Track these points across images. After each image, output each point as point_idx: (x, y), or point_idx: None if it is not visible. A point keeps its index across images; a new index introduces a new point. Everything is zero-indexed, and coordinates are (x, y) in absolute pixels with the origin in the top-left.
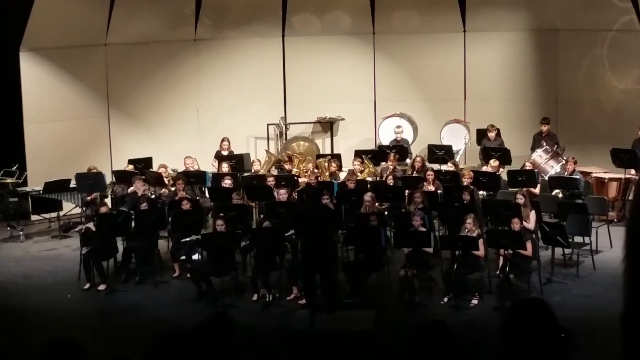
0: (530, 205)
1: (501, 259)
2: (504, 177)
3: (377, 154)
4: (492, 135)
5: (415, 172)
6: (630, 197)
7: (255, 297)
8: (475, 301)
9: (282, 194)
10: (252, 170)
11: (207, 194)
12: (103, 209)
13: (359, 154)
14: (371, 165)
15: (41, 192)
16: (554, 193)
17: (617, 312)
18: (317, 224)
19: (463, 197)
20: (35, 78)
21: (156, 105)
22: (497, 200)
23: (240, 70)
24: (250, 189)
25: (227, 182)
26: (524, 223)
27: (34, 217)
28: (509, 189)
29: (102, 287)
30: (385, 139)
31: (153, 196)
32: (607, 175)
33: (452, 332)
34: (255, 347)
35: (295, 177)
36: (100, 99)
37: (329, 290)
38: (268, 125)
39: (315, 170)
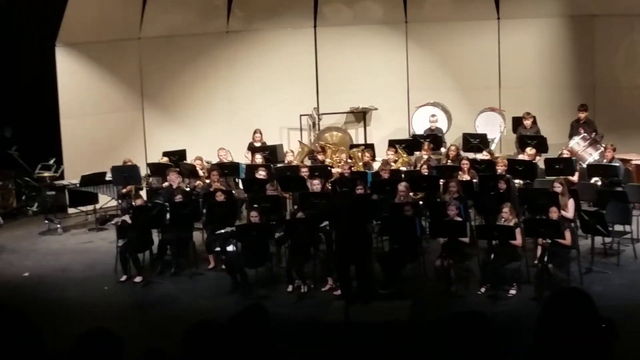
0: (569, 193)
1: (539, 248)
2: (541, 165)
3: (411, 144)
4: (528, 123)
5: (449, 161)
6: None
7: (290, 288)
8: (513, 291)
9: (315, 185)
10: (286, 161)
11: (241, 186)
12: (138, 202)
13: (392, 143)
14: (405, 155)
15: (78, 185)
16: (592, 181)
17: None
18: (351, 215)
19: (499, 186)
20: (71, 72)
21: (189, 97)
22: (534, 189)
23: (272, 62)
24: (283, 180)
25: (260, 174)
26: (562, 212)
27: (71, 210)
28: (546, 177)
29: (138, 279)
30: (419, 128)
31: (188, 188)
32: None
33: (490, 322)
34: (290, 339)
35: (329, 168)
36: (135, 93)
37: (364, 281)
38: (301, 116)
39: (349, 161)
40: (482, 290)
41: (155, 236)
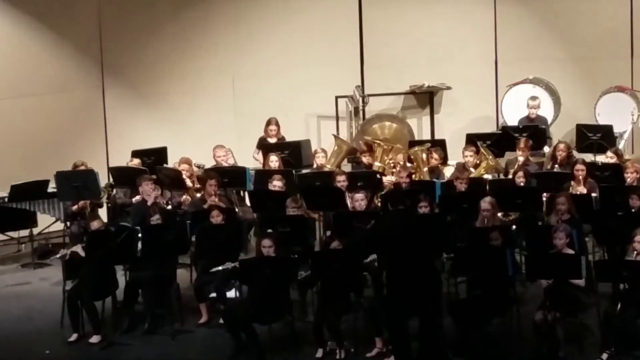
0: None
1: None
2: None
3: (500, 140)
4: None
5: (557, 166)
6: None
7: (319, 353)
8: None
9: (358, 201)
10: (314, 166)
11: (247, 201)
12: (95, 224)
13: (472, 139)
14: (491, 157)
15: (6, 200)
16: None
17: None
18: (410, 245)
19: (630, 203)
20: None
21: (172, 72)
22: None
23: (296, 22)
24: (311, 193)
25: (276, 184)
26: None
27: None
28: None
29: (95, 339)
30: (512, 117)
31: (169, 205)
32: None
33: None
34: None
35: (378, 175)
36: (91, 64)
37: (430, 342)
38: (337, 98)
39: (408, 165)
40: (604, 356)
41: (121, 276)
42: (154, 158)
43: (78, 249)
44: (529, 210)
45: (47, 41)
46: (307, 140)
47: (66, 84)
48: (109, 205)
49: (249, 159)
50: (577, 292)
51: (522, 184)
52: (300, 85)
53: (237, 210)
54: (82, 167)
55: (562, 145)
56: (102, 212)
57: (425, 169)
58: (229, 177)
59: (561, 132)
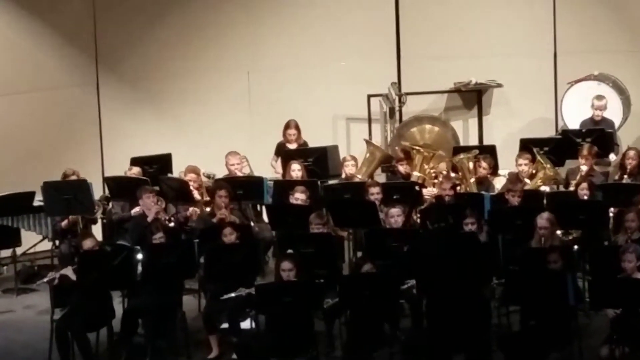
0: None
1: None
2: None
3: (560, 146)
4: None
5: (627, 176)
6: None
7: None
8: None
9: (394, 216)
10: (343, 176)
11: (265, 217)
12: (88, 244)
13: (527, 145)
14: (549, 166)
15: None
16: None
17: None
18: (454, 268)
19: None
20: None
21: (177, 68)
22: None
23: (322, 9)
24: (339, 208)
25: (298, 196)
26: None
27: None
28: None
29: None
30: (574, 120)
31: (172, 222)
32: None
33: None
34: None
35: (417, 187)
36: (83, 59)
37: None
38: (370, 97)
39: (452, 175)
40: None
41: (118, 303)
42: (156, 166)
43: (68, 271)
44: (594, 228)
45: (34, 33)
46: (335, 146)
47: (55, 81)
48: (104, 221)
49: (267, 168)
50: None
51: (585, 198)
52: (327, 82)
53: (253, 227)
54: (74, 177)
55: (632, 153)
56: (96, 229)
57: (472, 179)
58: (244, 188)
59: (631, 137)
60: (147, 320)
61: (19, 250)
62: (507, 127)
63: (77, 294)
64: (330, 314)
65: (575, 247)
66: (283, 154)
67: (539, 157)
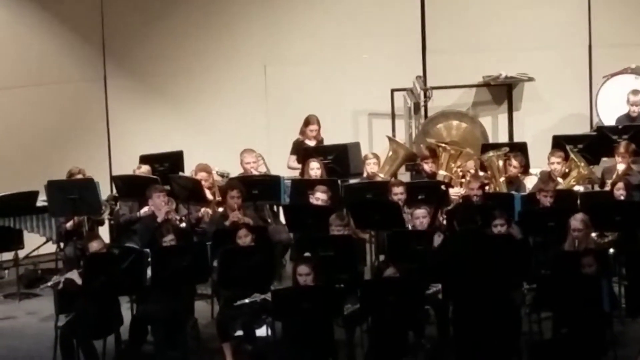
0: None
1: None
2: None
3: (595, 143)
4: None
5: None
6: None
7: None
8: None
9: (419, 218)
10: (365, 175)
11: (282, 218)
12: (95, 246)
13: (560, 142)
14: (583, 164)
15: None
16: None
17: None
18: (483, 273)
19: None
20: None
21: (188, 61)
22: None
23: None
24: (360, 209)
25: (318, 196)
26: None
27: None
28: None
29: None
30: (610, 116)
31: (183, 223)
32: None
33: None
34: None
35: (444, 187)
36: (91, 52)
37: None
38: (393, 92)
39: (480, 174)
40: None
41: (126, 309)
42: (167, 165)
43: (74, 275)
44: (631, 230)
45: (39, 24)
46: (356, 143)
47: (60, 75)
48: (112, 222)
49: (284, 167)
50: None
51: (621, 198)
52: (348, 76)
53: (269, 228)
54: (79, 176)
55: None
56: (103, 231)
57: (502, 178)
58: (260, 188)
59: None
60: (157, 328)
61: (22, 253)
62: (539, 123)
63: (82, 299)
64: (351, 321)
65: (611, 250)
66: (301, 152)
67: (572, 155)
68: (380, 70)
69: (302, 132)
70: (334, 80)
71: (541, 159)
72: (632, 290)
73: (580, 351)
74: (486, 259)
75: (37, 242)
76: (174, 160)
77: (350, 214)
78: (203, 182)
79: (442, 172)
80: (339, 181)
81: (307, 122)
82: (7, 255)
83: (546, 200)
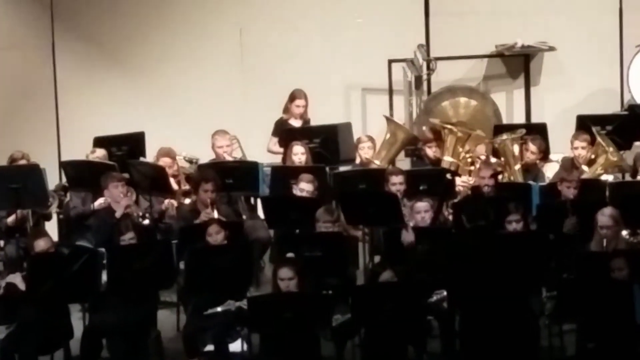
0: None
1: None
2: None
3: (626, 125)
4: None
5: None
6: None
7: None
8: None
9: (421, 212)
10: (358, 161)
11: (260, 212)
12: (41, 245)
13: (586, 123)
14: (612, 149)
15: None
16: None
17: None
18: (495, 277)
19: None
20: None
21: (150, 25)
22: None
23: None
24: (352, 201)
25: (303, 187)
26: None
27: None
28: None
29: None
30: None
31: (146, 219)
32: None
33: None
34: None
35: (449, 175)
36: (37, 13)
37: None
38: (391, 63)
39: (492, 160)
40: None
41: (77, 319)
42: (126, 148)
43: (16, 279)
44: None
45: None
46: (348, 124)
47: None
48: (61, 217)
49: (263, 151)
50: None
51: None
52: (338, 45)
53: (243, 224)
54: (23, 161)
55: None
56: (51, 227)
57: (518, 166)
58: (235, 176)
59: None
60: (114, 341)
61: None
62: (561, 101)
63: (26, 307)
64: (341, 334)
65: None
66: (284, 133)
67: (599, 139)
68: (376, 38)
69: (286, 109)
70: (321, 49)
71: (563, 143)
72: None
73: None
74: (499, 261)
75: None
76: (134, 143)
77: (341, 207)
78: (167, 169)
79: (447, 158)
80: (327, 168)
81: (292, 97)
82: None
83: (569, 192)
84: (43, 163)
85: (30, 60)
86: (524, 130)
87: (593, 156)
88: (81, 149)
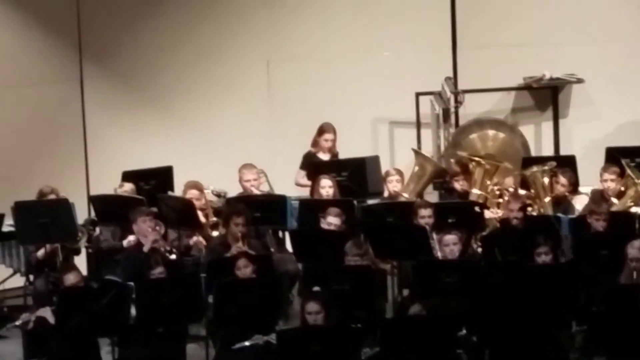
0: None
1: None
2: None
3: None
4: None
5: None
6: None
7: None
8: None
9: (449, 245)
10: (386, 194)
11: (289, 246)
12: (71, 279)
13: (615, 155)
14: None
15: None
16: None
17: None
18: (524, 311)
19: None
20: None
21: (178, 60)
22: None
23: None
24: (381, 234)
25: (331, 220)
26: None
27: None
28: None
29: None
30: None
31: (173, 254)
32: None
33: None
34: None
35: (478, 208)
36: (66, 51)
37: None
38: (418, 96)
39: (521, 193)
40: None
41: (106, 353)
42: (154, 182)
43: (46, 313)
44: None
45: (4, 20)
46: (375, 157)
47: (30, 76)
48: (90, 250)
49: (290, 184)
50: None
51: None
52: (366, 78)
53: (272, 257)
54: (52, 196)
55: None
56: (80, 261)
57: (547, 198)
58: (262, 210)
59: None
60: None
61: None
62: (589, 133)
63: (56, 341)
64: None
65: None
66: (312, 166)
67: (629, 171)
68: (404, 71)
69: (315, 143)
70: (349, 82)
71: (592, 175)
72: None
73: None
74: (528, 294)
75: (2, 275)
76: (162, 177)
77: (369, 240)
78: (195, 202)
79: (475, 191)
80: (355, 202)
81: (321, 130)
82: None
83: (599, 224)
84: (72, 197)
85: (59, 96)
86: (553, 163)
87: (622, 188)
88: (110, 183)
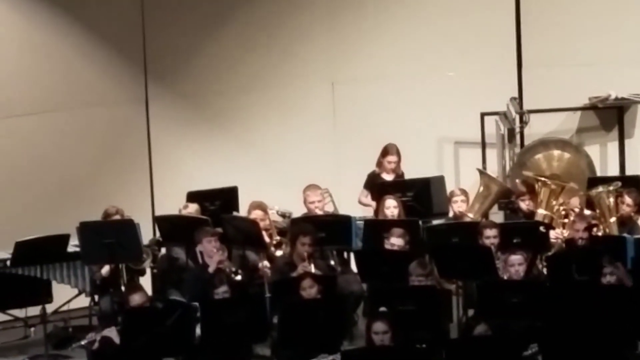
0: None
1: None
2: None
3: None
4: None
5: None
6: None
7: None
8: None
9: (515, 265)
10: (451, 214)
11: (353, 266)
12: (137, 299)
13: None
14: None
15: (8, 263)
16: None
17: None
18: (590, 331)
19: None
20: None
21: (243, 82)
22: None
23: (425, 9)
24: (446, 255)
25: (395, 241)
26: None
27: None
28: None
29: None
30: None
31: (239, 276)
32: None
33: None
34: None
35: (543, 227)
36: (131, 72)
37: None
38: (483, 116)
39: (587, 213)
40: None
41: None
42: (219, 203)
43: (111, 333)
44: None
45: (68, 37)
46: (440, 177)
47: (95, 97)
48: (155, 270)
49: (355, 205)
50: None
51: None
52: (431, 98)
53: (336, 277)
54: (117, 217)
55: None
56: (145, 281)
57: (613, 219)
58: (327, 230)
59: None
60: None
61: (50, 308)
62: None
63: None
64: None
65: None
66: (376, 187)
67: None
68: (469, 92)
69: (379, 164)
70: (414, 103)
71: None
72: None
73: None
74: (594, 314)
75: (68, 295)
76: (227, 197)
77: (434, 260)
78: (261, 222)
79: (541, 211)
80: (420, 222)
81: (384, 152)
82: (34, 311)
83: None
84: (137, 218)
85: (125, 117)
86: (619, 183)
87: None
88: (175, 204)
